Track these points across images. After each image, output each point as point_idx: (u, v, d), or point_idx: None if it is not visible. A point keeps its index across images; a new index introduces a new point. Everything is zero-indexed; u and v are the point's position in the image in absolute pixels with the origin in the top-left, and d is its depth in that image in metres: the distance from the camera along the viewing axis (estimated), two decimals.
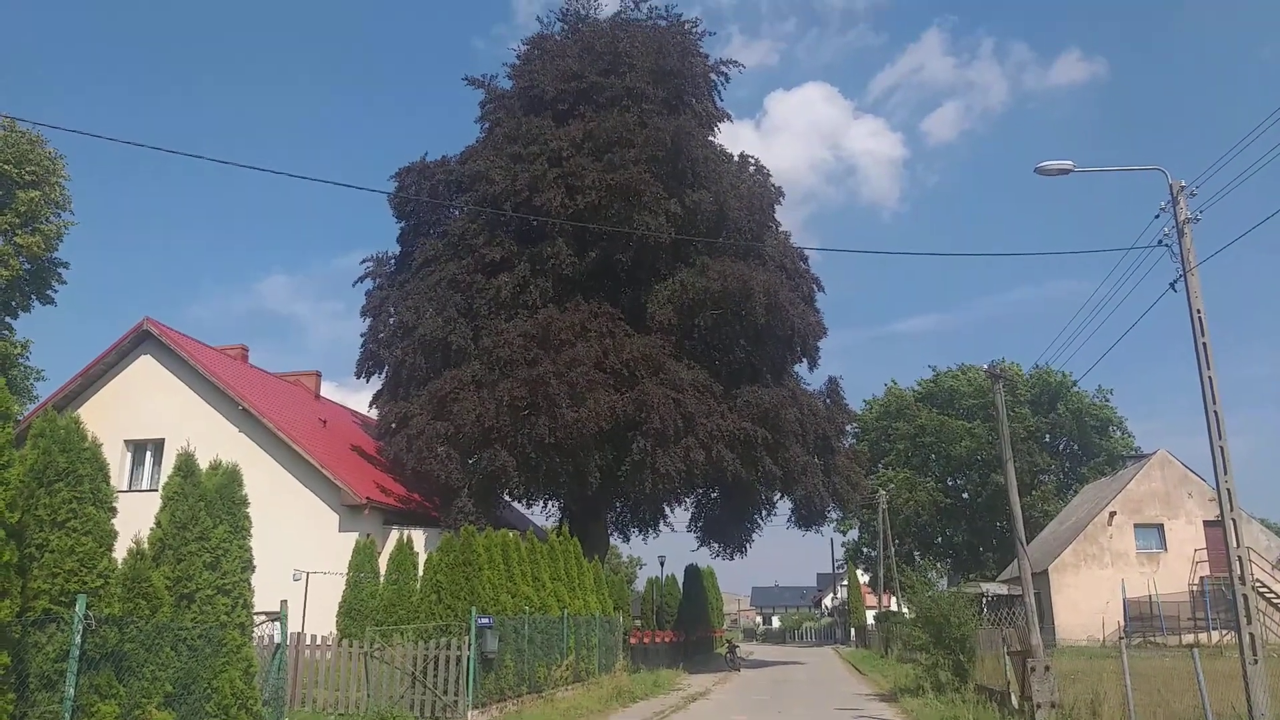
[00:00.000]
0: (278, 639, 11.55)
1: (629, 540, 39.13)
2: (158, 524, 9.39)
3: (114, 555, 8.33)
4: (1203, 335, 13.97)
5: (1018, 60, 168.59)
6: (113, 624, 7.90)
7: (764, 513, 36.19)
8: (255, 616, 10.29)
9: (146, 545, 9.05)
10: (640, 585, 53.22)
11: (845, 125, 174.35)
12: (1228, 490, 13.37)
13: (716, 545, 37.06)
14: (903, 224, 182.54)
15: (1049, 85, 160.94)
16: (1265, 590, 36.56)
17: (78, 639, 7.39)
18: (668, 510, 36.50)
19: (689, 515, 37.26)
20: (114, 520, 8.38)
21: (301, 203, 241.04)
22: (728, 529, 36.41)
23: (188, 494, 9.53)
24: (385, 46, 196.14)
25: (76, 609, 7.44)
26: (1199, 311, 14.03)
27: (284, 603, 11.98)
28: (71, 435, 8.08)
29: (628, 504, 36.17)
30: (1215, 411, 13.61)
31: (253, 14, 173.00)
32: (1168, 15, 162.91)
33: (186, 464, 9.75)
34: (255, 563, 10.22)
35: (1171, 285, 14.37)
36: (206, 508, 9.61)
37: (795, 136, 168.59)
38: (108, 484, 8.35)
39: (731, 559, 37.78)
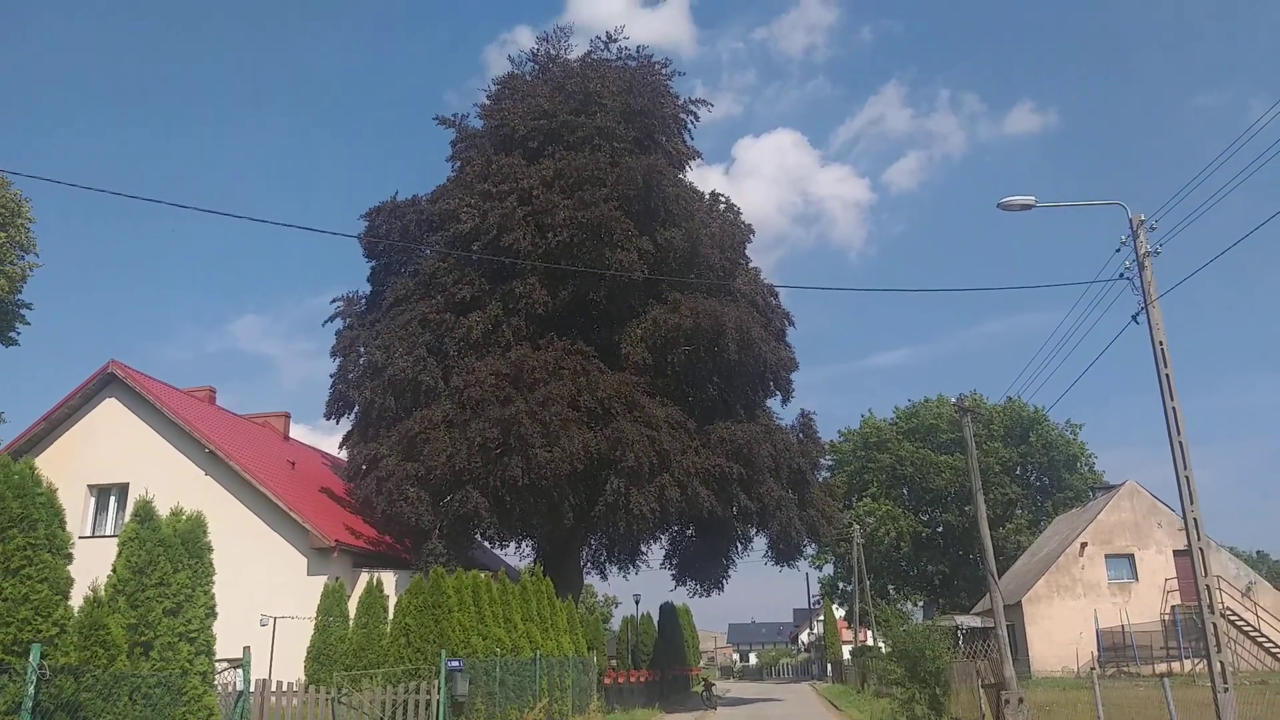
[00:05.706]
0: (240, 686, 11.30)
1: (605, 578, 38.82)
2: (114, 570, 9.22)
3: (71, 603, 8.15)
4: (1165, 366, 14.17)
5: (971, 111, 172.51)
6: (69, 673, 7.70)
7: (740, 549, 36.07)
8: (217, 663, 10.07)
9: (103, 592, 8.87)
10: (616, 624, 52.73)
11: (812, 171, 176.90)
12: (1195, 520, 13.50)
13: (693, 583, 36.81)
14: (870, 264, 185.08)
15: (1005, 134, 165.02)
16: (1235, 618, 36.86)
17: (31, 689, 7.18)
18: (644, 548, 36.32)
19: (664, 553, 37.07)
20: (74, 567, 8.22)
21: (273, 243, 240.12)
22: (704, 566, 36.20)
23: (144, 539, 9.36)
24: (359, 94, 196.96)
25: (31, 658, 7.25)
26: (1161, 343, 14.25)
27: (247, 649, 11.74)
28: (26, 481, 7.94)
29: (603, 542, 35.93)
30: (1180, 442, 13.77)
31: (225, 61, 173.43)
32: (1110, 71, 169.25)
33: (144, 510, 9.61)
34: (221, 608, 10.04)
35: (1134, 317, 14.62)
36: (166, 553, 9.44)
37: (764, 181, 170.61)
38: (64, 530, 8.20)
39: (709, 595, 37.54)
